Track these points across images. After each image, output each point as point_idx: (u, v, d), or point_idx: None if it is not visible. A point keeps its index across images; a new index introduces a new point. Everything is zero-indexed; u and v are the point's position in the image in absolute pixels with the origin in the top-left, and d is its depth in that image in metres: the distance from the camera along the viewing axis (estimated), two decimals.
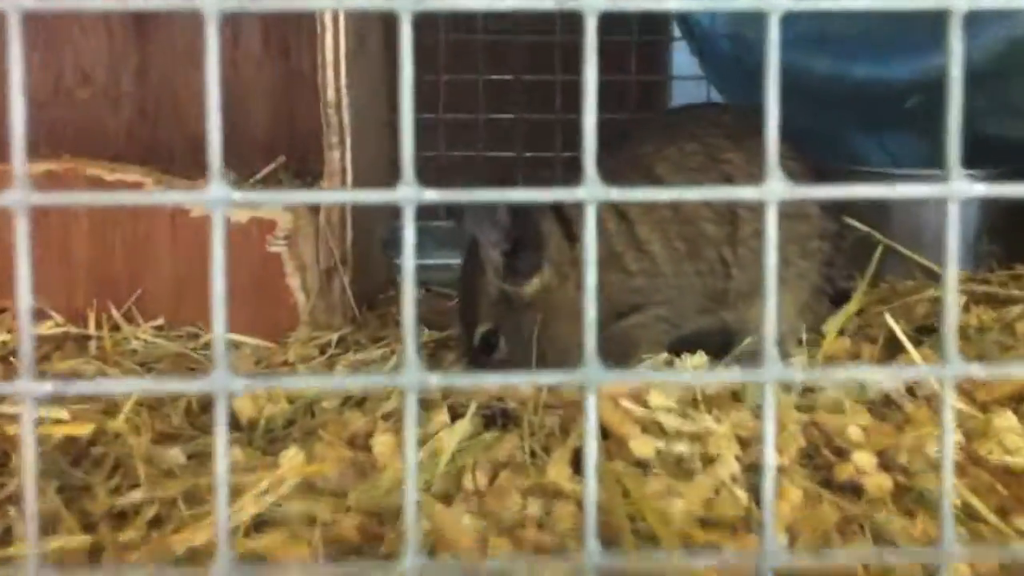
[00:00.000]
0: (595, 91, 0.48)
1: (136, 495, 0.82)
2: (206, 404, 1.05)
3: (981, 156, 1.78)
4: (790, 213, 1.18)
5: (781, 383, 1.03)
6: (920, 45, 1.93)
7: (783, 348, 1.20)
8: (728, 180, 1.20)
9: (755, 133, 1.25)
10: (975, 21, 2.11)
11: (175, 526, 0.78)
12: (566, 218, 1.13)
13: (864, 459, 0.86)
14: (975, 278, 1.57)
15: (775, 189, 0.49)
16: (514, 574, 0.57)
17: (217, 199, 0.48)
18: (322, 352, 1.26)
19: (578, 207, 1.19)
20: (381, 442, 0.91)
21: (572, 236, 1.13)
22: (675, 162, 1.20)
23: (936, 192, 0.49)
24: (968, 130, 1.80)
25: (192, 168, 1.47)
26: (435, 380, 0.49)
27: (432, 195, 0.48)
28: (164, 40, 1.72)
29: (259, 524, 0.79)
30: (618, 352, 1.13)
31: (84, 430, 0.95)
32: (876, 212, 1.59)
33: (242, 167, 1.55)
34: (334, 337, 1.27)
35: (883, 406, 1.03)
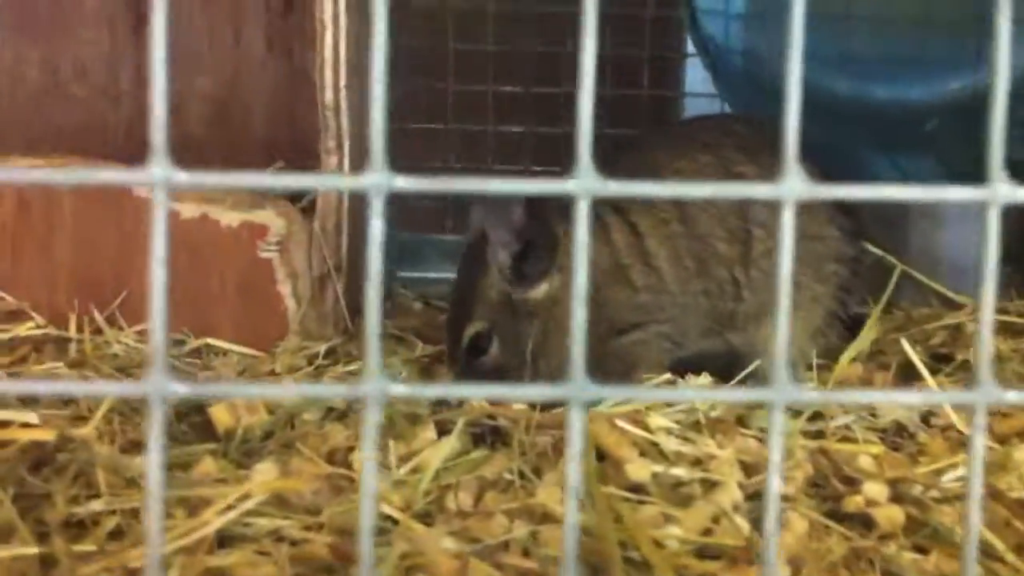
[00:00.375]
0: (592, 67, 0.43)
1: (95, 505, 0.76)
2: (184, 412, 1.00)
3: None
4: (807, 234, 1.13)
5: (790, 408, 0.98)
6: (940, 69, 1.90)
7: (793, 373, 1.14)
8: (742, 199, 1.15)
9: (769, 146, 1.20)
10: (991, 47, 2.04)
11: (135, 539, 0.73)
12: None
13: (875, 490, 0.81)
14: (998, 306, 1.51)
15: (793, 187, 0.44)
16: None
17: (159, 180, 0.43)
18: (310, 363, 1.21)
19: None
20: (361, 458, 0.86)
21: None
22: (688, 174, 1.15)
23: (978, 195, 0.44)
24: (984, 152, 1.74)
25: (191, 168, 1.43)
26: (398, 390, 0.43)
27: (403, 182, 0.43)
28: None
29: (226, 540, 0.74)
30: (618, 370, 1.08)
31: (48, 435, 0.90)
32: (892, 237, 1.54)
33: (242, 168, 1.50)
34: (323, 348, 1.22)
35: (896, 435, 0.98)
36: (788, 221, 0.44)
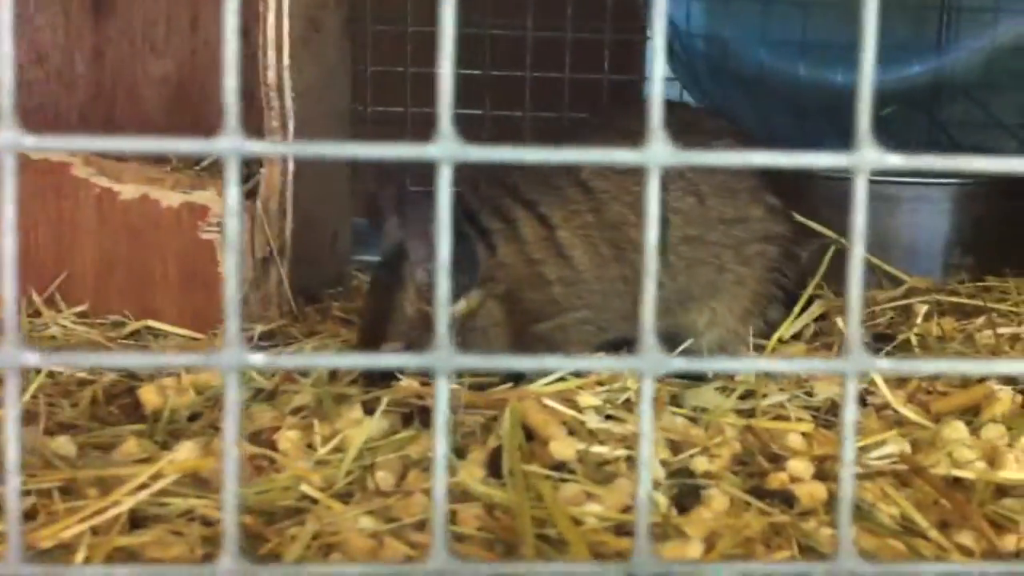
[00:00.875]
0: (451, 41, 0.42)
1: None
2: (113, 394, 0.99)
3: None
4: (727, 218, 1.13)
5: (722, 385, 0.98)
6: (900, 54, 1.90)
7: (736, 349, 1.14)
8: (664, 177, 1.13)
9: (693, 130, 1.19)
10: (958, 28, 2.07)
11: (45, 520, 0.72)
12: (484, 229, 1.07)
13: (800, 467, 0.81)
14: (943, 288, 1.52)
15: (657, 153, 0.43)
16: None
17: (7, 144, 0.42)
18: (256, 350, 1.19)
19: (496, 215, 1.11)
20: (287, 437, 0.85)
21: (490, 246, 1.06)
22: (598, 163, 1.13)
23: (845, 162, 0.43)
24: (946, 140, 1.75)
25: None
26: (257, 360, 0.43)
27: (255, 146, 0.42)
28: (121, 22, 1.66)
29: (140, 520, 0.73)
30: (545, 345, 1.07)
31: None
32: (844, 220, 1.54)
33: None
34: (259, 329, 1.21)
35: (829, 413, 0.98)
36: (653, 188, 0.43)
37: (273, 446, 0.85)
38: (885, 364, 0.44)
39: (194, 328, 1.26)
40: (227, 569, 0.43)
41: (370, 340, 1.03)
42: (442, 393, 0.43)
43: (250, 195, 1.33)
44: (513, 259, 1.07)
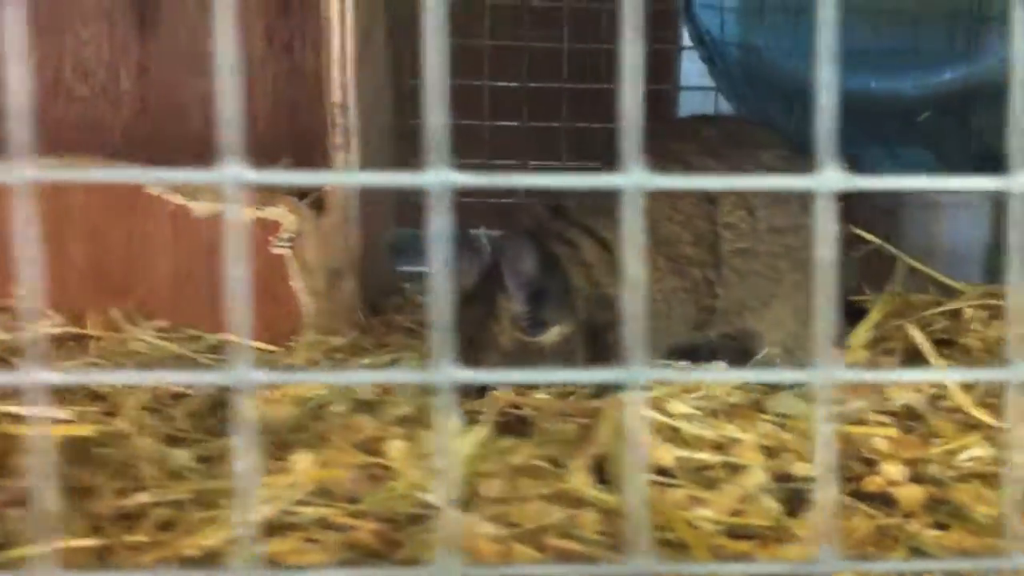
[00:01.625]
0: (639, 68, 0.46)
1: (142, 497, 0.79)
2: (213, 406, 1.02)
3: (991, 170, 1.76)
4: (777, 227, 1.17)
5: (801, 394, 1.01)
6: (934, 60, 1.93)
7: (787, 358, 1.18)
8: (708, 196, 1.17)
9: (737, 146, 1.23)
10: (987, 35, 2.10)
11: (185, 529, 0.75)
12: (555, 256, 1.11)
13: (894, 470, 0.84)
14: (995, 292, 1.55)
15: (830, 179, 0.47)
16: None
17: (232, 179, 0.45)
18: (328, 357, 1.23)
19: (560, 242, 1.14)
20: (394, 447, 0.88)
21: (607, 248, 1.12)
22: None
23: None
24: (979, 145, 1.77)
25: (188, 162, 1.44)
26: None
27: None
28: (166, 39, 1.69)
29: (272, 528, 0.76)
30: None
31: (86, 431, 0.92)
32: (889, 226, 1.57)
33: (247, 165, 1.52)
34: (339, 341, 1.24)
35: (907, 418, 1.01)
36: (825, 211, 0.46)
37: (381, 455, 0.88)
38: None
39: (268, 341, 1.29)
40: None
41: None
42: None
43: (316, 207, 1.36)
44: (583, 283, 1.11)
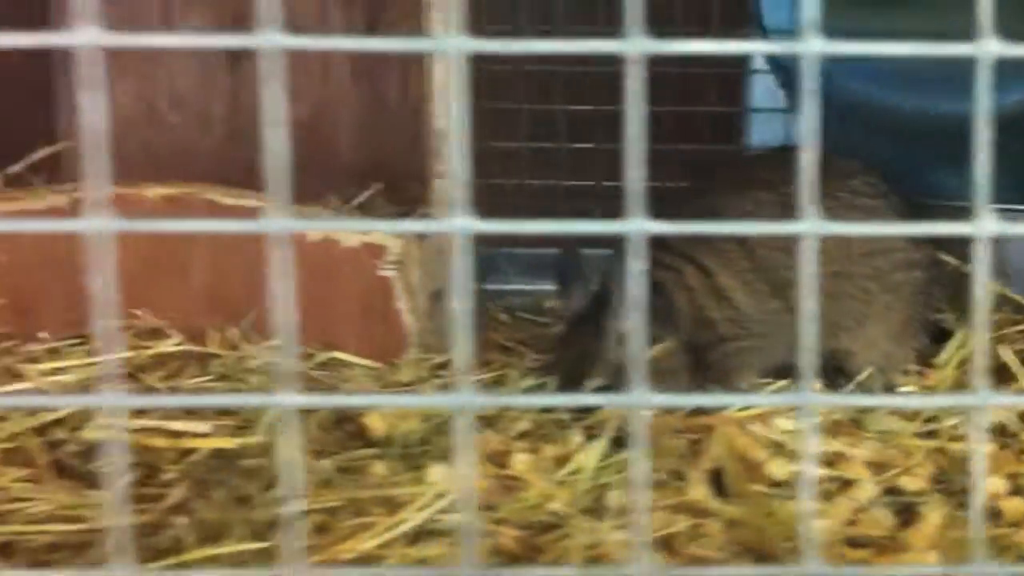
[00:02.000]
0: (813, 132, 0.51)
1: (301, 504, 0.85)
2: (339, 419, 1.09)
3: None
4: (868, 251, 1.22)
5: (899, 411, 1.06)
6: (999, 85, 1.97)
7: (886, 378, 1.23)
8: None
9: (837, 176, 1.28)
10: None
11: (340, 534, 0.81)
12: (659, 282, 1.17)
13: (997, 483, 0.89)
14: None
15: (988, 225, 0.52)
16: None
17: (462, 228, 0.51)
18: (433, 374, 1.29)
19: (662, 267, 1.21)
20: (520, 460, 0.95)
21: (708, 273, 1.20)
22: (749, 213, 1.23)
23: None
24: None
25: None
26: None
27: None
28: (255, 67, 1.77)
29: (418, 535, 0.82)
30: (716, 378, 1.18)
31: (228, 443, 0.99)
32: (961, 246, 1.61)
33: (335, 193, 1.60)
34: (442, 359, 1.31)
35: (999, 435, 1.06)
36: (982, 256, 0.51)
37: (509, 467, 0.94)
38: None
39: (374, 358, 1.36)
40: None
41: (576, 373, 1.13)
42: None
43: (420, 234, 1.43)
44: (685, 306, 1.18)
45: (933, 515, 0.83)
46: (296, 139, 1.72)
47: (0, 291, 1.39)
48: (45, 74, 1.75)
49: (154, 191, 1.40)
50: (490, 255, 1.90)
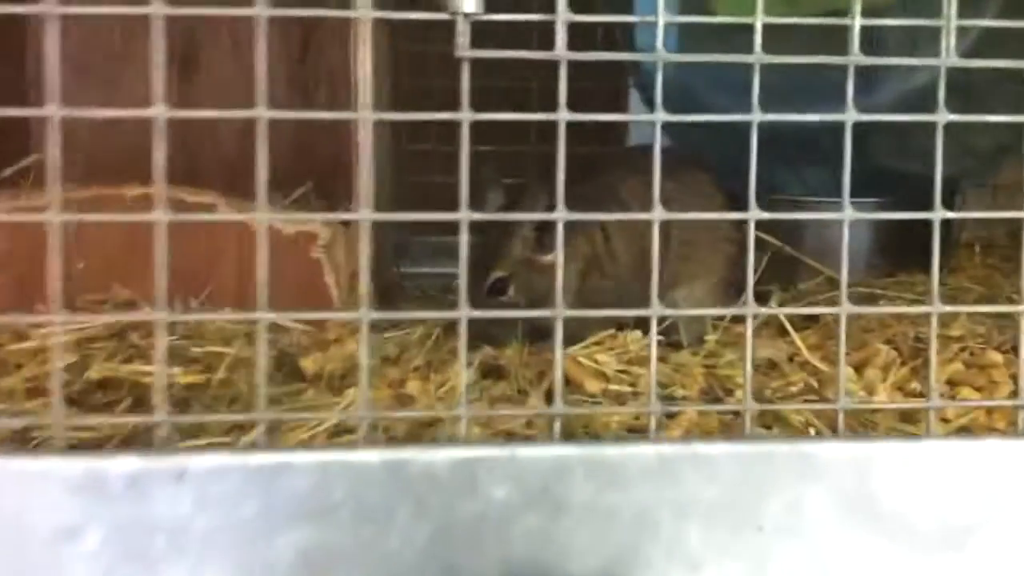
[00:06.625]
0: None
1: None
2: (281, 364, 1.45)
3: (880, 185, 2.22)
4: (706, 224, 1.62)
5: (695, 352, 1.45)
6: (835, 94, 2.36)
7: (703, 326, 1.62)
8: (665, 203, 1.61)
9: (685, 168, 1.68)
10: (876, 77, 2.64)
11: (283, 432, 1.18)
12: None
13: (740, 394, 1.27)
14: (861, 283, 1.99)
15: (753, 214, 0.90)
16: None
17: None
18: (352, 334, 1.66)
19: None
20: (413, 386, 1.32)
21: (607, 237, 1.56)
22: (634, 188, 1.61)
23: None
24: (869, 164, 2.28)
25: (225, 187, 1.83)
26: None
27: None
28: (204, 79, 2.12)
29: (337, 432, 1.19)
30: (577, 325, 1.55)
31: (199, 379, 1.35)
32: (791, 231, 2.01)
33: (275, 190, 1.96)
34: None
35: (769, 368, 1.45)
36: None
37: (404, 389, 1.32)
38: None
39: (310, 324, 1.72)
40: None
41: (481, 268, 1.49)
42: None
43: (346, 222, 1.80)
44: (585, 248, 1.56)
45: (690, 412, 1.21)
46: (238, 144, 2.14)
47: (3, 272, 1.73)
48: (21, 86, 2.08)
49: (132, 191, 1.75)
50: (406, 242, 2.28)
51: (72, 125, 2.17)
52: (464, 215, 0.90)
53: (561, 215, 0.89)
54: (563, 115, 0.87)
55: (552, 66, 0.92)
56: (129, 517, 0.84)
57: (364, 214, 0.88)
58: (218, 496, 0.85)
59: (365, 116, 0.87)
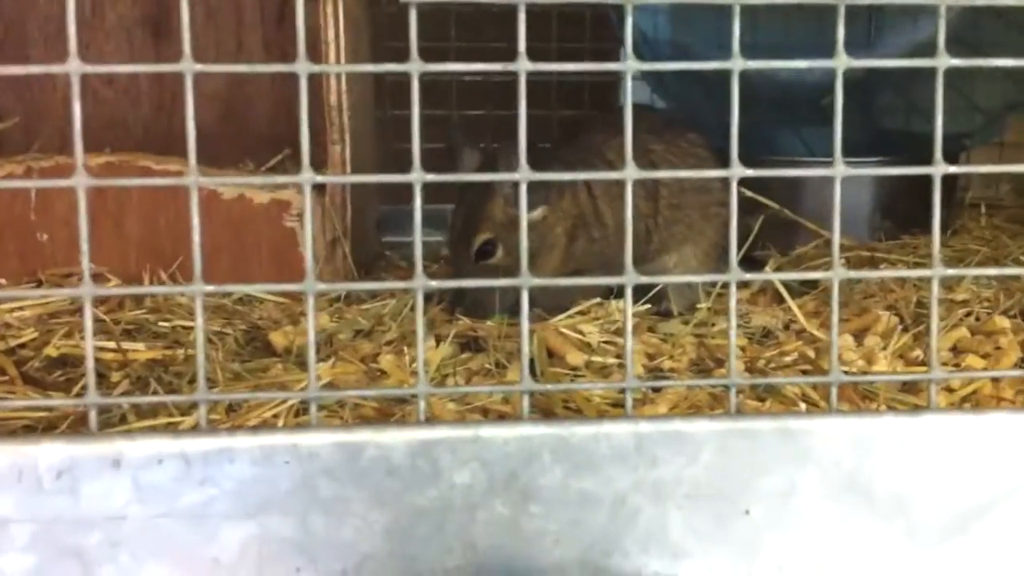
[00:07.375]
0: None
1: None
2: (251, 338, 1.38)
3: (887, 146, 2.14)
4: (695, 186, 1.54)
5: (685, 321, 1.37)
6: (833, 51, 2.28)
7: (694, 293, 1.54)
8: (652, 164, 1.54)
9: (670, 129, 1.60)
10: (883, 28, 2.53)
11: (246, 409, 1.11)
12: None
13: (740, 367, 1.20)
14: (863, 247, 1.91)
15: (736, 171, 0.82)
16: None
17: (307, 179, 0.80)
18: (331, 304, 1.59)
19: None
20: (386, 360, 1.25)
21: (593, 197, 1.50)
22: (620, 148, 1.54)
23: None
24: (873, 123, 2.21)
25: (200, 155, 1.79)
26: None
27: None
28: (177, 46, 2.04)
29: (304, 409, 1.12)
30: (560, 294, 1.48)
31: (159, 354, 1.28)
32: (790, 194, 1.93)
33: (251, 158, 1.89)
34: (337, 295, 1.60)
35: (763, 336, 1.38)
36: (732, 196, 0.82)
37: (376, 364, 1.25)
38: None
39: (284, 296, 1.65)
40: None
41: (466, 233, 1.44)
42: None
43: (319, 189, 1.72)
44: (572, 210, 1.50)
45: (675, 390, 1.14)
46: (215, 111, 2.06)
47: None
48: None
49: (95, 159, 1.68)
50: (390, 211, 2.20)
51: (41, 95, 2.10)
52: (416, 176, 0.82)
53: (524, 175, 0.81)
54: (524, 64, 0.79)
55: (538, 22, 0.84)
56: (59, 509, 0.77)
57: (306, 176, 0.81)
58: (156, 485, 0.78)
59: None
